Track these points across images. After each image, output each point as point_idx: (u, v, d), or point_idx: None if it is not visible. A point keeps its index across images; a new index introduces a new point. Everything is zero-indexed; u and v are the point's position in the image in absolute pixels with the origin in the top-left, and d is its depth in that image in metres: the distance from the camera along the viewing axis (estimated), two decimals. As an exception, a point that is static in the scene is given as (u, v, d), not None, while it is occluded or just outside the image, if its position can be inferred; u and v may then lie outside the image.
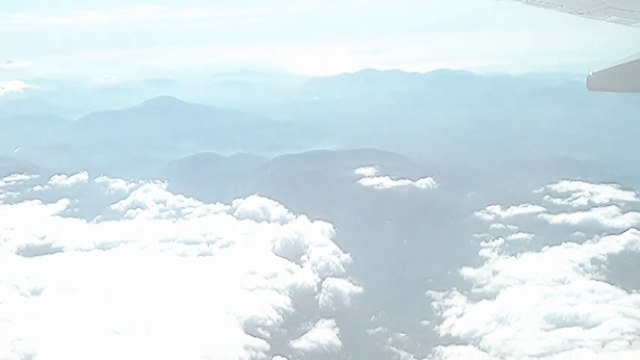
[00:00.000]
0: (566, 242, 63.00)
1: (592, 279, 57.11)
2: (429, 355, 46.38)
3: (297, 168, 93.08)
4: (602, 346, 46.43)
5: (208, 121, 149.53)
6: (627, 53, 8.63)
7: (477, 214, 72.76)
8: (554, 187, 79.70)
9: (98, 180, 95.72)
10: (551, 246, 62.49)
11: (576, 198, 76.09)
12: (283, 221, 73.69)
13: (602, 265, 58.95)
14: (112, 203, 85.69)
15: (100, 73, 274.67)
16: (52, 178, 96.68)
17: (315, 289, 58.34)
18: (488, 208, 73.50)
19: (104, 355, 46.39)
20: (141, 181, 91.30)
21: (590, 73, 8.43)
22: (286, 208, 76.35)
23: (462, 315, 51.74)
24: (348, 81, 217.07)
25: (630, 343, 46.78)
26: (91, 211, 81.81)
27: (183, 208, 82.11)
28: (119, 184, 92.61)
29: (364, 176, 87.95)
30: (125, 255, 66.15)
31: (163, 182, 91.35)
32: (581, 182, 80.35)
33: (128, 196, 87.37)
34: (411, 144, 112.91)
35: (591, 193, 76.59)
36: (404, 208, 75.54)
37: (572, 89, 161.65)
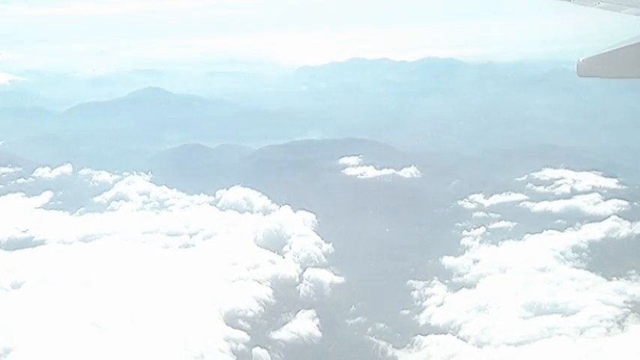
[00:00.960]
0: (547, 230, 63.04)
1: (573, 267, 57.22)
2: (408, 345, 46.43)
3: (281, 158, 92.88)
4: (581, 334, 46.58)
5: (195, 112, 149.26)
6: (615, 40, 8.65)
7: (460, 202, 72.78)
8: (537, 174, 79.71)
9: (82, 172, 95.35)
10: (532, 234, 62.53)
11: (559, 186, 76.09)
12: (266, 212, 73.59)
13: (583, 253, 59.03)
14: (96, 195, 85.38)
15: (88, 64, 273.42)
16: (35, 171, 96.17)
17: (297, 279, 58.26)
18: (471, 197, 73.50)
19: (83, 348, 46.26)
20: (125, 173, 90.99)
21: (580, 60, 8.43)
22: (269, 198, 76.23)
23: (441, 304, 51.79)
24: (336, 70, 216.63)
25: (608, 330, 46.94)
26: (74, 204, 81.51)
27: (167, 199, 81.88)
28: (103, 176, 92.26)
29: (348, 166, 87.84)
30: (107, 247, 65.94)
31: (147, 174, 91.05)
32: (564, 170, 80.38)
33: (112, 188, 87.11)
34: (397, 133, 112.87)
35: (574, 181, 76.62)
36: (387, 197, 75.49)
37: (559, 76, 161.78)
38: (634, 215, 64.37)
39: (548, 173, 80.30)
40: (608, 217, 64.83)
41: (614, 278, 53.96)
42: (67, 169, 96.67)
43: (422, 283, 55.23)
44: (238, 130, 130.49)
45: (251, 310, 53.44)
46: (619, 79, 8.71)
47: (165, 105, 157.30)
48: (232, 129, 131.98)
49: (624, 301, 50.33)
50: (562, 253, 58.53)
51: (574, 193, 73.52)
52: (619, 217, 64.46)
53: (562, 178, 78.02)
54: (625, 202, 68.51)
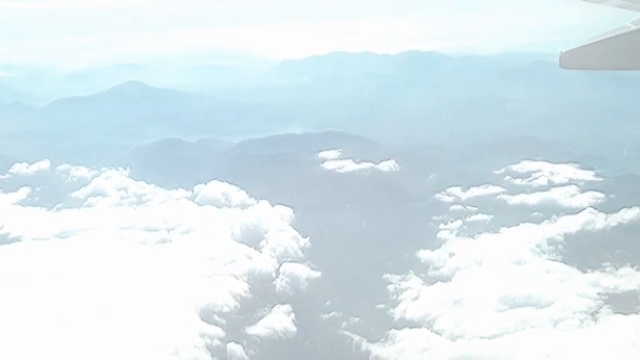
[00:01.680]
0: (524, 223, 63.16)
1: (548, 259, 57.37)
2: (382, 339, 46.42)
3: (260, 152, 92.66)
4: (554, 326, 46.71)
5: (175, 107, 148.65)
6: (594, 31, 8.67)
7: (438, 195, 72.81)
8: (515, 167, 79.89)
9: (60, 168, 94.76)
10: (509, 227, 62.63)
11: (536, 178, 76.27)
12: (244, 206, 73.41)
13: (559, 246, 59.19)
14: (73, 191, 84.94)
15: (69, 58, 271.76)
16: (13, 167, 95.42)
17: (273, 274, 58.14)
18: (449, 190, 73.54)
19: (55, 344, 46.06)
20: (104, 169, 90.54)
21: (562, 52, 8.46)
22: (247, 193, 76.05)
23: (416, 298, 51.80)
24: (319, 63, 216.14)
25: (582, 322, 47.10)
26: (51, 200, 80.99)
27: (145, 194, 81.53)
28: (81, 171, 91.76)
29: (327, 160, 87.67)
30: (83, 243, 65.64)
31: (126, 169, 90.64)
32: (542, 162, 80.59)
33: (89, 183, 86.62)
34: (377, 126, 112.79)
35: (551, 173, 76.83)
36: (365, 191, 75.43)
37: (541, 69, 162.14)
38: (609, 207, 64.60)
39: (526, 166, 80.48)
40: (584, 209, 65.02)
41: (589, 270, 54.15)
42: (44, 164, 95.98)
43: (398, 277, 55.24)
44: (219, 125, 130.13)
45: (227, 305, 53.30)
46: (600, 70, 8.79)
47: (146, 99, 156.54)
48: (213, 123, 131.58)
49: (598, 293, 50.52)
50: (538, 246, 58.67)
51: (551, 185, 73.70)
52: (595, 209, 64.67)
53: (540, 170, 78.20)
54: (601, 195, 68.75)
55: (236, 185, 77.93)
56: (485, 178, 76.64)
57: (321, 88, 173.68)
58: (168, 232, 68.71)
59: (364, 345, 46.09)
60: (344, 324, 49.04)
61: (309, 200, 72.70)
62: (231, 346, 47.41)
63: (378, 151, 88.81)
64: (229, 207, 74.16)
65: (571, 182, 73.66)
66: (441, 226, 64.73)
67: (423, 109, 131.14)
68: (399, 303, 51.51)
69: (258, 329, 49.70)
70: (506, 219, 64.71)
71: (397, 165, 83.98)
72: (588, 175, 76.14)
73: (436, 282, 53.76)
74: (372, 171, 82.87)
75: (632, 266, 54.38)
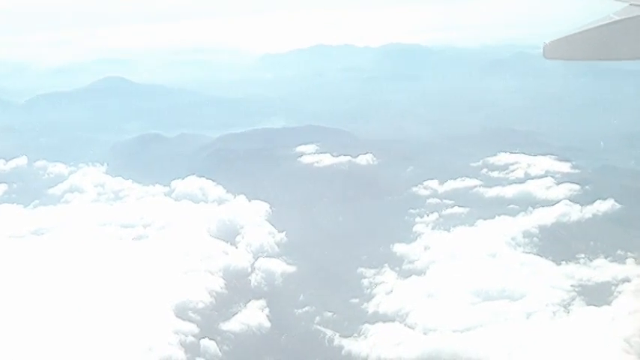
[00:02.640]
0: (499, 215, 63.25)
1: (523, 252, 57.46)
2: (355, 334, 46.39)
3: (239, 147, 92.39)
4: (527, 318, 46.82)
5: (156, 102, 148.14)
6: (578, 23, 8.72)
7: (414, 189, 72.78)
8: (493, 159, 79.98)
9: (38, 164, 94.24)
10: (484, 220, 62.68)
11: (513, 170, 76.38)
12: (221, 202, 73.20)
13: (534, 238, 59.29)
14: (50, 188, 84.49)
15: (49, 54, 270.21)
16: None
17: (249, 269, 58.02)
18: (426, 183, 73.54)
19: (27, 341, 45.85)
20: (81, 165, 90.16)
21: (546, 42, 8.49)
22: (225, 188, 75.82)
23: (391, 292, 51.77)
24: (300, 57, 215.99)
25: (554, 314, 47.23)
26: (28, 197, 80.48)
27: (122, 190, 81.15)
28: (59, 167, 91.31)
29: (305, 154, 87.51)
30: (58, 240, 65.33)
31: (103, 165, 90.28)
32: (519, 154, 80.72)
33: (67, 179, 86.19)
34: (357, 120, 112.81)
35: (528, 165, 76.94)
36: (342, 185, 75.35)
37: (521, 61, 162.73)
38: (585, 199, 64.77)
39: (503, 158, 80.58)
40: (560, 201, 65.17)
41: (563, 262, 54.29)
42: (22, 161, 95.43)
43: (372, 271, 55.21)
44: (199, 119, 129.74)
45: (202, 301, 53.15)
46: (583, 61, 8.86)
47: (127, 95, 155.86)
48: (193, 118, 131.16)
49: (571, 285, 50.65)
50: (513, 239, 58.76)
51: (528, 177, 73.82)
52: (570, 201, 64.82)
53: (517, 162, 78.31)
54: (577, 187, 68.90)
55: (213, 180, 77.69)
56: (463, 170, 76.68)
57: (303, 82, 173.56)
58: (145, 228, 68.41)
59: (337, 340, 46.04)
60: (317, 319, 48.98)
61: (285, 195, 72.57)
62: (205, 342, 47.29)
63: (355, 145, 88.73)
64: (206, 202, 73.92)
65: (547, 174, 73.79)
66: (417, 219, 64.72)
67: (402, 102, 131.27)
68: (372, 297, 51.48)
69: (233, 325, 49.58)
70: (482, 212, 64.76)
71: (375, 158, 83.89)
72: (565, 167, 76.31)
73: (410, 275, 53.77)
74: (350, 165, 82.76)
75: (606, 257, 54.55)
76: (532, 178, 73.51)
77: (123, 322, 49.08)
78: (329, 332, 46.84)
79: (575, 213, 63.21)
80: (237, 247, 62.06)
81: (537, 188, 70.42)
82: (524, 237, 59.70)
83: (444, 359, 43.53)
